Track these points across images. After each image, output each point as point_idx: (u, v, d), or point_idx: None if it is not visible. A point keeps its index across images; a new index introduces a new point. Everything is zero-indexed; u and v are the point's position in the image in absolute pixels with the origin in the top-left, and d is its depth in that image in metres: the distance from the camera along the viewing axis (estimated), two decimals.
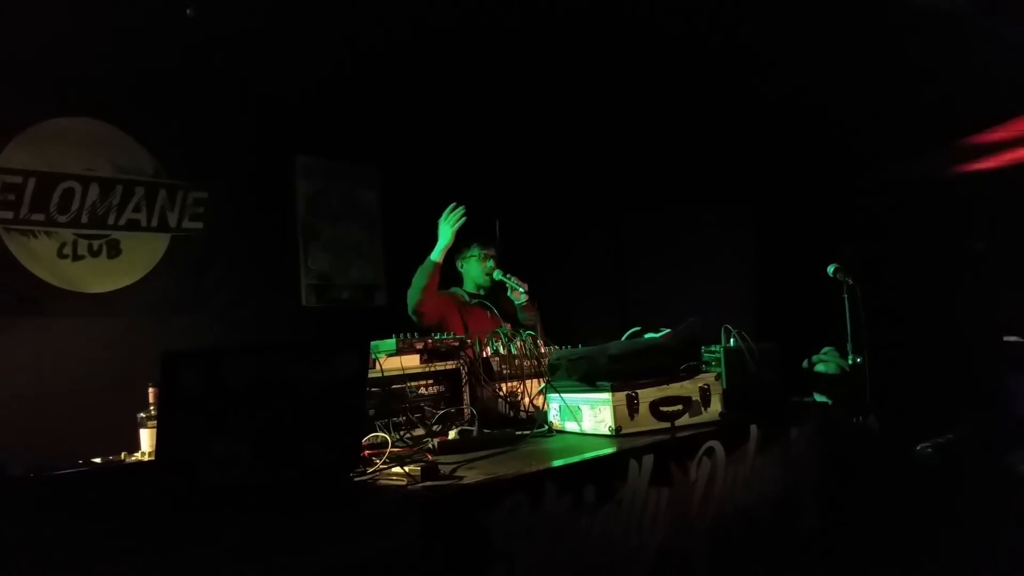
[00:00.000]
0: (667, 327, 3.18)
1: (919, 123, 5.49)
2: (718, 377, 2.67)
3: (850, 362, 3.23)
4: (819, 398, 3.49)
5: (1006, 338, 4.62)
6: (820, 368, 3.81)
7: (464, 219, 3.62)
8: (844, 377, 3.52)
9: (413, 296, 3.62)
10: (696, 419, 2.54)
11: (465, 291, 4.01)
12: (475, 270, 3.96)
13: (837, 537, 2.94)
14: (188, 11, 3.52)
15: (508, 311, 3.89)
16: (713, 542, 2.44)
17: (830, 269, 3.35)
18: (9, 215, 3.81)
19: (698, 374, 2.63)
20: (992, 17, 4.13)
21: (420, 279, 3.62)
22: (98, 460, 2.29)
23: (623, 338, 2.87)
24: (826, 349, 3.82)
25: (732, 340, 2.87)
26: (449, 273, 4.11)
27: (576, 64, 4.74)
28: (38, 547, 1.45)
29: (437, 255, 3.63)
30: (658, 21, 4.34)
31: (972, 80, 4.82)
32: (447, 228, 3.62)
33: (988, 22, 4.16)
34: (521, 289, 3.74)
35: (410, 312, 3.64)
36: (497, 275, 3.84)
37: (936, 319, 5.09)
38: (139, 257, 4.22)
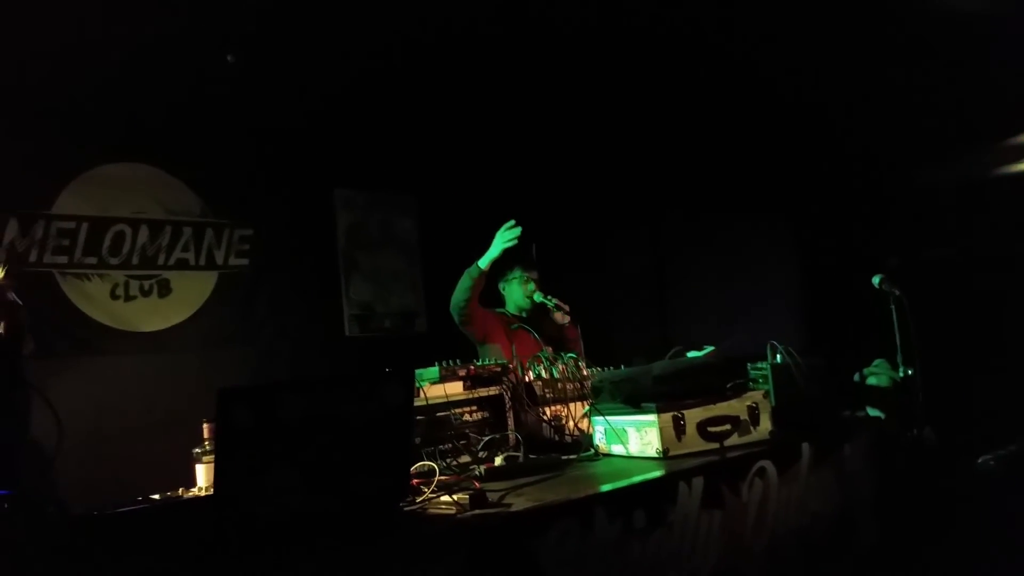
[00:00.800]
0: (710, 344, 3.16)
1: (959, 125, 5.39)
2: (766, 395, 2.63)
3: (901, 374, 3.16)
4: (872, 412, 3.41)
5: None
6: (872, 381, 3.73)
7: (516, 241, 3.63)
8: (896, 390, 3.44)
9: (458, 299, 3.64)
10: (745, 439, 2.50)
11: (508, 314, 4.03)
12: (517, 292, 3.98)
13: (897, 554, 2.86)
14: (229, 58, 3.64)
15: (550, 334, 3.90)
16: (769, 564, 2.39)
17: (875, 280, 3.28)
18: (64, 260, 3.95)
19: (745, 392, 2.59)
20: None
21: (465, 282, 3.64)
22: (156, 496, 2.33)
23: (666, 358, 2.85)
24: (877, 362, 3.75)
25: (779, 356, 2.83)
26: (491, 295, 4.13)
27: (611, 83, 4.77)
28: None
29: (484, 263, 3.63)
30: (696, 33, 4.35)
31: (1011, 80, 4.73)
32: (500, 241, 3.63)
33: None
34: (564, 311, 3.74)
35: (455, 317, 3.66)
36: (538, 297, 3.84)
37: (991, 326, 4.95)
38: (189, 295, 4.33)
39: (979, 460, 3.53)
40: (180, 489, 2.38)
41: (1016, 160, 6.14)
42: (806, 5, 4.13)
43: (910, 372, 3.13)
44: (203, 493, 2.29)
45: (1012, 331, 4.85)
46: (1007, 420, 3.98)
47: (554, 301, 3.77)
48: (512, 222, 3.66)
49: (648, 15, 4.13)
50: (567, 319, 3.76)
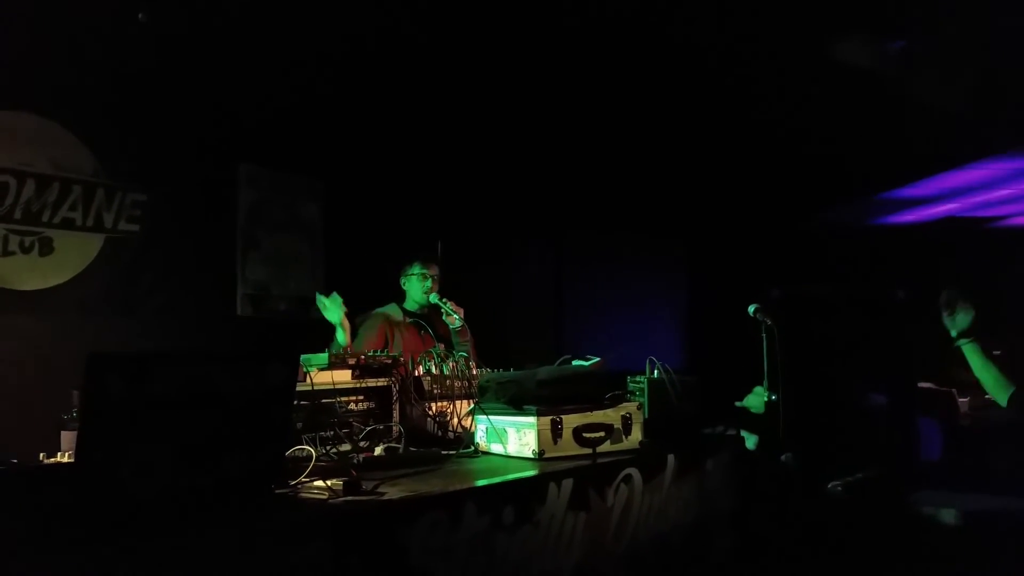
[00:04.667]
0: (597, 355, 3.29)
1: (848, 174, 5.78)
2: (640, 406, 2.77)
3: (765, 399, 3.37)
4: (744, 434, 3.62)
5: (920, 384, 4.84)
6: (746, 403, 3.97)
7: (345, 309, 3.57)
8: (768, 414, 3.66)
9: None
10: (617, 446, 2.63)
11: (404, 307, 4.04)
12: (415, 288, 4.00)
13: (749, 565, 3.06)
14: (140, 16, 3.51)
15: (443, 334, 3.94)
16: (627, 567, 2.52)
17: (751, 309, 3.49)
18: None
19: (621, 403, 2.72)
20: (916, 79, 4.41)
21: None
22: (15, 460, 2.25)
23: (554, 365, 2.95)
24: (757, 388, 3.97)
25: (656, 371, 2.98)
26: (391, 287, 4.14)
27: (521, 81, 4.85)
28: None
29: (342, 339, 3.57)
30: (609, 48, 4.49)
31: (897, 138, 5.12)
32: (335, 313, 3.57)
33: (911, 85, 4.44)
34: (456, 315, 3.78)
35: None
36: (433, 298, 3.86)
37: (854, 361, 5.31)
38: (72, 256, 4.13)
39: (829, 486, 3.81)
40: (41, 455, 2.30)
41: (892, 212, 6.64)
42: (717, 34, 4.33)
43: (774, 397, 3.35)
44: (65, 460, 2.23)
45: (876, 368, 5.23)
46: (860, 450, 4.30)
47: (448, 305, 3.79)
48: (335, 293, 3.59)
49: (569, 24, 4.24)
50: (459, 324, 3.80)
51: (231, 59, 4.18)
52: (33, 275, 3.99)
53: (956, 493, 3.67)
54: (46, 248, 4.04)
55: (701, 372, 3.30)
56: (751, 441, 3.64)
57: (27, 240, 3.98)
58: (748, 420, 3.81)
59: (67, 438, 2.35)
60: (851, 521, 3.73)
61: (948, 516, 3.44)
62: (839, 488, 3.84)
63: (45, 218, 4.03)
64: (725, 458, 3.06)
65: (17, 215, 3.94)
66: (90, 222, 4.19)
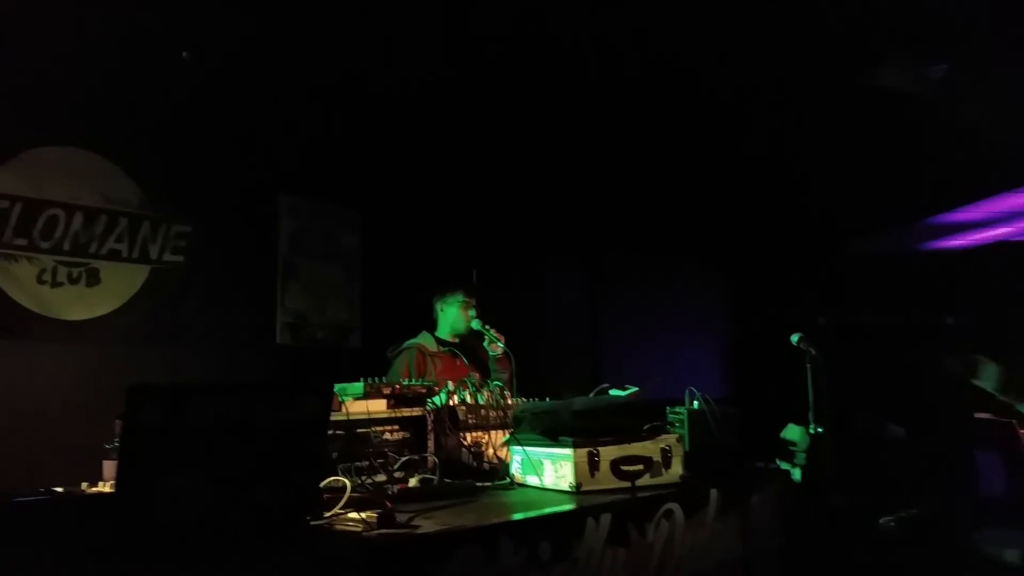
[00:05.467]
0: (635, 384, 3.23)
1: (895, 201, 5.66)
2: (680, 439, 2.70)
3: (811, 431, 3.27)
4: (784, 466, 3.52)
5: (976, 415, 4.68)
6: (788, 435, 3.85)
7: None
8: (811, 447, 3.56)
9: None
10: (656, 480, 2.56)
11: (437, 336, 4.01)
12: (455, 316, 3.97)
13: None
14: (184, 54, 3.61)
15: (481, 360, 3.92)
16: None
17: (794, 338, 3.40)
18: None
19: (661, 435, 2.66)
20: (961, 103, 4.31)
21: None
22: (59, 489, 2.28)
23: (591, 394, 2.91)
24: (796, 427, 3.86)
25: (696, 402, 2.91)
26: (427, 316, 4.13)
27: (557, 107, 4.86)
28: None
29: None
30: (646, 79, 4.49)
31: (944, 161, 5.00)
32: None
33: (957, 108, 4.34)
34: (499, 342, 3.76)
35: None
36: (475, 324, 3.86)
37: (906, 392, 5.16)
38: (118, 287, 4.22)
39: (880, 521, 3.67)
40: (84, 484, 2.33)
41: (940, 237, 6.47)
42: (763, 61, 4.30)
43: (820, 430, 3.25)
44: (107, 490, 2.25)
45: (928, 399, 5.06)
46: (912, 485, 4.14)
47: (492, 332, 3.78)
48: None
49: (606, 56, 4.26)
50: (500, 351, 3.78)
51: (272, 94, 4.28)
52: (80, 305, 4.09)
53: (1022, 532, 3.49)
54: (93, 279, 4.14)
55: (742, 403, 3.22)
56: (795, 474, 3.53)
57: (75, 271, 4.08)
58: (790, 453, 3.70)
59: (109, 467, 2.37)
60: (905, 560, 3.59)
61: (1012, 556, 3.27)
62: (892, 524, 3.70)
63: (92, 249, 4.14)
64: (771, 493, 2.96)
65: (66, 247, 4.05)
66: (136, 253, 4.29)
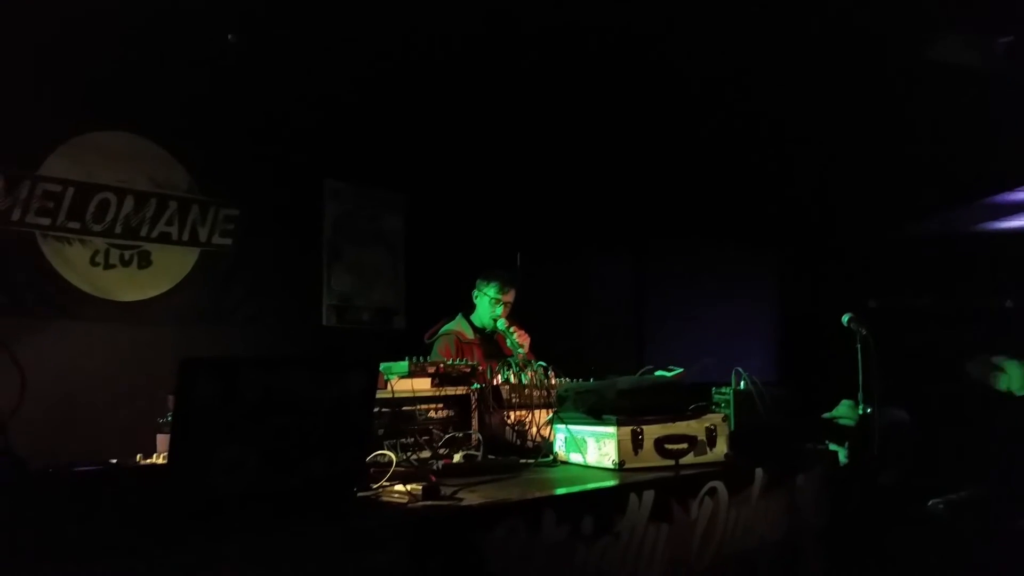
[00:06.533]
0: (681, 366, 3.20)
1: (950, 181, 5.49)
2: (725, 418, 2.67)
3: (860, 412, 3.21)
4: (833, 447, 3.47)
5: None
6: (835, 414, 3.80)
7: None
8: (859, 428, 3.50)
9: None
10: (700, 458, 2.54)
11: (472, 322, 3.96)
12: (484, 309, 3.92)
13: None
14: (230, 36, 3.66)
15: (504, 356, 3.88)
16: None
17: (844, 319, 3.34)
18: (47, 222, 3.95)
19: (706, 414, 2.64)
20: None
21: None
22: (115, 461, 2.35)
23: (636, 375, 2.89)
24: (846, 401, 3.80)
25: (743, 383, 2.88)
26: (466, 297, 4.11)
27: (606, 98, 4.82)
28: (48, 540, 1.51)
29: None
30: (695, 66, 4.41)
31: (1001, 140, 4.84)
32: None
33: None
34: (521, 350, 3.67)
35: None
36: (500, 324, 3.80)
37: (959, 375, 5.03)
38: (168, 269, 4.33)
39: (929, 503, 3.60)
40: (139, 456, 2.41)
41: (997, 218, 6.27)
42: (805, 52, 4.21)
43: (868, 411, 3.19)
44: (160, 462, 2.31)
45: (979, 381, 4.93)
46: (963, 467, 4.05)
47: (514, 335, 3.71)
48: None
49: (652, 46, 4.20)
50: (523, 352, 3.66)
51: (317, 78, 4.32)
52: (132, 287, 4.20)
53: None
54: (144, 261, 4.25)
55: (791, 384, 3.18)
56: (841, 455, 3.48)
57: (127, 253, 4.19)
58: (836, 432, 3.64)
59: (162, 441, 2.44)
60: (954, 543, 3.52)
61: None
62: (940, 506, 3.63)
63: (143, 232, 4.25)
64: (817, 473, 2.93)
65: (117, 230, 4.16)
66: (185, 236, 4.39)
